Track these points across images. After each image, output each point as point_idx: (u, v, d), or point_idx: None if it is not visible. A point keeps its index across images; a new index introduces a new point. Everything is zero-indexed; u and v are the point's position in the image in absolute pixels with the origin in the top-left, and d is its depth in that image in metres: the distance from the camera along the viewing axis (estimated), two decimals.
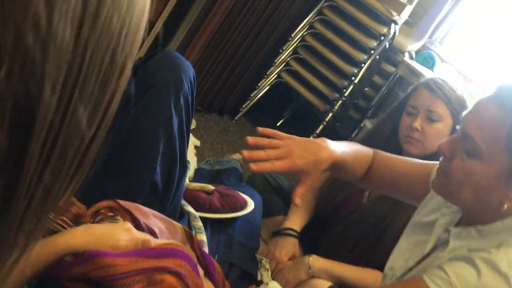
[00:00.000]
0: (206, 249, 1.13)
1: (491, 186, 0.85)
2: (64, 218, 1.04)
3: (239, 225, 1.31)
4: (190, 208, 1.25)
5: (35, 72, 0.23)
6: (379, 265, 1.53)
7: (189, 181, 1.84)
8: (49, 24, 0.23)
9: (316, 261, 1.51)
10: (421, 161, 1.14)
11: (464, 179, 0.87)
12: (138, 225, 1.03)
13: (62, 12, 0.23)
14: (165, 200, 1.13)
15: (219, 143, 2.43)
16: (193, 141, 2.22)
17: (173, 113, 1.14)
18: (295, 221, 1.61)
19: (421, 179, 1.07)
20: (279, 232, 1.59)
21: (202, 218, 1.25)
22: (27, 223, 0.27)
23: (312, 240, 1.66)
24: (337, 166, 1.00)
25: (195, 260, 0.94)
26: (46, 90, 0.23)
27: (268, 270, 1.39)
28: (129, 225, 0.93)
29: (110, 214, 1.02)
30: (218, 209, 1.28)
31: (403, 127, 1.53)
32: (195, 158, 2.05)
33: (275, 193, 1.78)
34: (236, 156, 2.17)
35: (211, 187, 1.35)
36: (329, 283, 1.47)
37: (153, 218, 1.07)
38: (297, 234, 1.59)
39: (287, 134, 0.99)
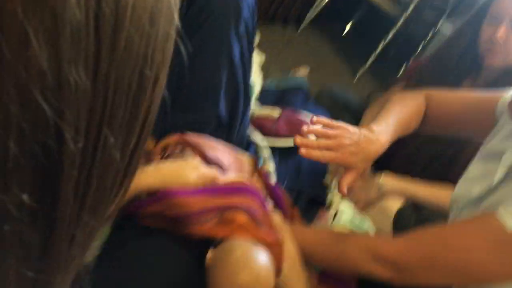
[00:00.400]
0: (273, 180, 1.14)
1: None
2: None
3: None
4: (256, 137, 1.24)
5: (50, 128, 0.20)
6: (454, 185, 1.48)
7: (254, 103, 1.82)
8: (57, 76, 0.20)
9: (387, 181, 1.48)
10: (482, 94, 1.06)
11: None
12: (206, 159, 1.04)
13: (71, 58, 0.20)
14: (231, 132, 1.12)
15: (284, 57, 2.37)
16: (256, 58, 2.16)
17: (234, 42, 1.09)
18: None
19: (485, 112, 1.00)
20: None
21: (268, 147, 1.24)
22: (74, 252, 0.26)
23: (383, 158, 1.61)
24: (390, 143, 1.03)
25: (263, 194, 0.94)
26: (68, 140, 0.21)
27: (338, 193, 1.39)
28: (197, 161, 0.94)
29: (178, 149, 1.04)
30: (285, 136, 1.26)
31: (484, 38, 1.39)
32: (259, 77, 2.01)
33: (344, 111, 1.73)
34: (302, 71, 2.11)
35: (276, 113, 1.33)
36: (401, 202, 1.45)
37: (220, 151, 1.08)
38: None
39: (341, 124, 0.98)
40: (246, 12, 1.11)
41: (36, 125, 0.20)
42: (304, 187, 1.21)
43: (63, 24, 0.19)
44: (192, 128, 1.07)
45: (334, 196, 1.38)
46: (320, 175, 1.32)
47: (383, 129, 1.01)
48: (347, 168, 0.96)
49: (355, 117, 1.72)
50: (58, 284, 0.28)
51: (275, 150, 1.25)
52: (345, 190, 0.94)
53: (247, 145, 1.20)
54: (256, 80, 1.95)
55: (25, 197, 0.21)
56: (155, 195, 0.86)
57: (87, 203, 0.25)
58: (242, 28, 1.11)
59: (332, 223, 1.35)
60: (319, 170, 1.32)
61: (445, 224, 0.90)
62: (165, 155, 1.03)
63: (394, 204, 1.44)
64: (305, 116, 1.37)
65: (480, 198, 0.94)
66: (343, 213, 1.42)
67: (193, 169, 0.92)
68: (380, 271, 0.90)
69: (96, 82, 0.22)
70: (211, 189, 0.87)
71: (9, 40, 0.18)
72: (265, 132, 1.27)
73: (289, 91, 1.83)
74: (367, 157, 0.96)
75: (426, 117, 1.10)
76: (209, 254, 0.78)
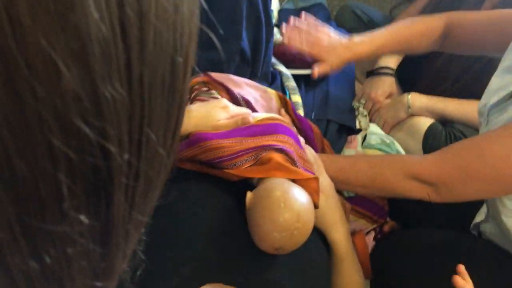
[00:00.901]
0: (301, 112, 1.12)
1: None
2: None
3: (333, 76, 1.26)
4: (281, 67, 1.21)
5: (96, 150, 0.20)
6: None
7: (273, 23, 1.76)
8: (93, 96, 0.19)
9: (416, 99, 1.45)
10: (505, 10, 1.06)
11: None
12: (232, 97, 1.03)
13: (104, 75, 0.19)
14: (256, 65, 1.10)
15: None
16: None
17: None
18: (390, 57, 1.52)
19: (509, 27, 1.00)
20: (374, 72, 1.52)
21: (294, 76, 1.21)
22: (130, 243, 0.27)
23: (411, 76, 1.58)
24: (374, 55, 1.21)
25: (295, 129, 0.93)
26: (114, 155, 0.21)
27: (366, 116, 1.37)
28: (225, 102, 0.93)
29: (204, 89, 1.02)
30: (309, 64, 1.22)
31: None
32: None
33: (368, 27, 1.66)
34: None
35: None
36: (430, 121, 1.43)
37: (246, 87, 1.06)
38: (393, 72, 1.51)
39: (325, 29, 1.14)
40: None
41: (82, 151, 0.20)
42: (333, 116, 1.19)
43: (90, 43, 0.18)
44: (215, 67, 1.05)
45: (362, 119, 1.36)
46: (347, 100, 1.30)
47: (364, 41, 1.14)
48: (321, 60, 1.10)
49: None
50: (118, 271, 0.29)
51: (300, 80, 1.22)
52: (316, 74, 1.08)
53: (273, 77, 1.17)
54: (273, 3, 1.87)
55: (82, 218, 0.21)
56: (187, 139, 0.86)
57: (137, 201, 0.25)
58: None
59: (362, 146, 1.34)
60: (346, 96, 1.30)
61: (477, 136, 0.89)
62: (191, 97, 1.02)
63: (423, 123, 1.43)
64: None
65: (503, 107, 0.93)
66: (373, 134, 1.41)
67: (222, 110, 0.91)
68: (417, 190, 0.91)
69: (131, 89, 0.21)
70: (243, 129, 0.87)
71: (39, 75, 0.17)
72: (289, 60, 1.24)
73: (309, 8, 1.76)
74: (340, 58, 1.10)
75: (449, 39, 1.13)
76: (249, 196, 0.79)
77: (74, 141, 0.19)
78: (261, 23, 1.07)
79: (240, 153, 0.82)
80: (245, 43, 1.06)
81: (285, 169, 0.80)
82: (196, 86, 1.02)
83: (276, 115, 0.93)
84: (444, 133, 1.39)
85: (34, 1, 0.17)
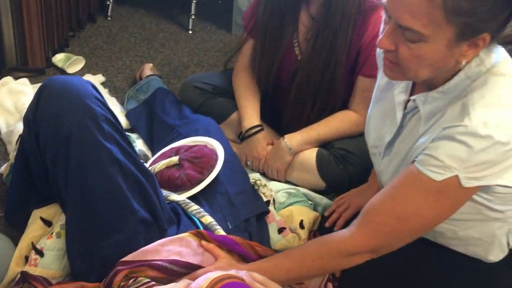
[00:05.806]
0: (220, 230, 1.13)
1: (445, 55, 0.86)
2: None
3: (223, 174, 1.28)
4: (175, 197, 1.20)
5: None
6: (344, 106, 1.58)
7: (126, 129, 1.72)
8: None
9: (292, 139, 1.53)
10: None
11: (418, 63, 0.87)
12: (159, 268, 1.02)
13: None
14: (159, 220, 1.08)
15: (119, 62, 2.17)
16: (97, 80, 1.98)
17: (108, 146, 1.01)
18: (251, 116, 1.59)
19: None
20: (244, 136, 1.57)
21: (192, 197, 1.22)
22: None
23: (276, 116, 1.66)
24: None
25: (242, 277, 0.94)
26: None
27: (265, 185, 1.42)
28: None
29: (131, 281, 0.99)
30: (199, 179, 1.24)
31: None
32: (113, 100, 1.87)
33: (217, 96, 1.70)
34: (148, 68, 1.98)
35: (175, 159, 1.28)
36: (314, 150, 1.52)
37: (164, 249, 1.05)
38: (261, 126, 1.58)
39: None
40: (96, 108, 1.02)
41: None
42: (246, 214, 1.22)
43: None
44: (125, 248, 1.02)
45: (264, 189, 1.41)
46: (247, 189, 1.33)
47: None
48: None
49: (227, 95, 1.69)
50: None
51: (199, 197, 1.23)
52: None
53: (176, 214, 1.16)
54: (112, 105, 1.82)
55: None
56: None
57: None
58: (105, 126, 1.02)
59: (276, 209, 1.39)
60: (243, 185, 1.33)
61: (385, 195, 0.98)
62: None
63: (309, 156, 1.52)
64: (203, 146, 1.33)
65: (393, 141, 1.04)
66: (277, 192, 1.47)
67: None
68: (359, 259, 1.01)
69: None
70: None
71: None
72: (179, 185, 1.23)
73: (152, 100, 1.74)
74: None
75: None
76: None
77: None
78: (141, 182, 1.05)
79: None
80: (140, 210, 1.04)
81: None
82: (122, 283, 0.99)
83: (210, 275, 0.92)
84: (331, 158, 1.49)
85: None
